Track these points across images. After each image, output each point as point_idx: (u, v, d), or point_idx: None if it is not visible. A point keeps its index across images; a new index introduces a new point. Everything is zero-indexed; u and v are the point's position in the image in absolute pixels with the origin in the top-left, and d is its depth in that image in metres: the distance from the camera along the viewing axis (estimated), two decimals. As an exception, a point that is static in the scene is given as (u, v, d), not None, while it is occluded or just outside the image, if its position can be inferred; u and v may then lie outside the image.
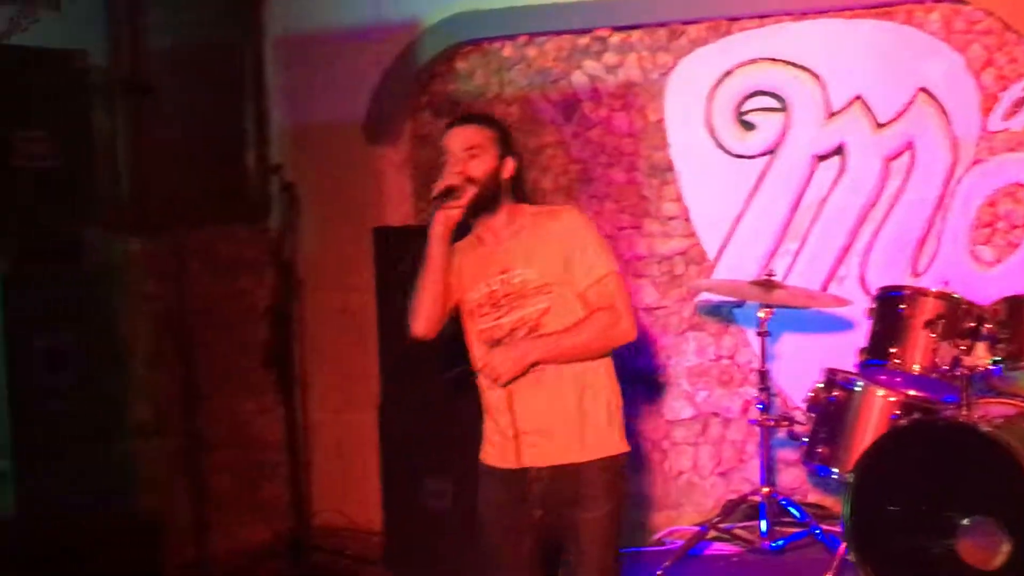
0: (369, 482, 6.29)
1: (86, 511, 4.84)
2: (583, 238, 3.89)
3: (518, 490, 3.92)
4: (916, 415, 5.07)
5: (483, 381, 3.96)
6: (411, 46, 6.52)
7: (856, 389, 5.28)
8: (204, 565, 6.13)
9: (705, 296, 6.18)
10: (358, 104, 6.63)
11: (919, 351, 5.07)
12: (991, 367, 4.90)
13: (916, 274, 5.83)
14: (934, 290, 5.16)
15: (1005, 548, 4.53)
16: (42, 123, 4.76)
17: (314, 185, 6.70)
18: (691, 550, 5.45)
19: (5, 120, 4.63)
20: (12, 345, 4.62)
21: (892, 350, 5.14)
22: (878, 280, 5.74)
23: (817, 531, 5.40)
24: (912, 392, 5.24)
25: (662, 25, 6.21)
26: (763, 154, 6.10)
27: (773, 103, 6.07)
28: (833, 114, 5.97)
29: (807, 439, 5.40)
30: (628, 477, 4.05)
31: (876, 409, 5.23)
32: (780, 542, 5.44)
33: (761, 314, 5.49)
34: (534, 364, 3.83)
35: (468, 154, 3.90)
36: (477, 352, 3.94)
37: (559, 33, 6.40)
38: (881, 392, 5.24)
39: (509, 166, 3.95)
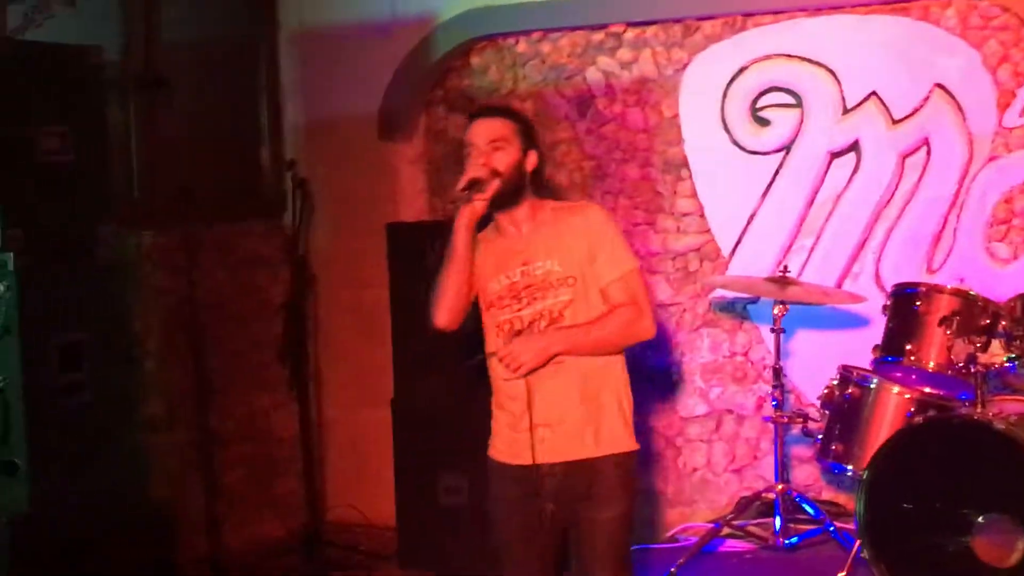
0: (383, 478, 6.30)
1: (100, 506, 4.84)
2: (607, 234, 3.93)
3: (531, 486, 3.92)
4: (931, 412, 5.06)
5: (498, 374, 3.97)
6: (425, 41, 6.52)
7: (871, 386, 5.26)
8: (217, 560, 6.14)
9: (719, 292, 6.17)
10: (372, 99, 6.64)
11: (934, 348, 5.06)
12: (1006, 364, 4.88)
13: (931, 271, 5.82)
14: (949, 287, 5.16)
15: (1021, 545, 4.52)
16: (56, 118, 4.76)
17: (328, 181, 6.71)
18: (705, 547, 5.44)
19: (19, 116, 4.63)
20: (27, 342, 4.62)
21: (907, 347, 5.13)
22: (893, 277, 5.73)
23: (831, 528, 5.39)
24: (927, 389, 5.22)
25: (677, 21, 6.20)
26: (778, 150, 6.09)
27: (788, 99, 6.05)
28: (848, 110, 5.95)
29: (821, 436, 5.39)
30: (639, 475, 4.07)
31: (891, 406, 5.22)
32: (794, 539, 5.43)
33: (775, 311, 5.48)
34: (555, 356, 3.85)
35: (492, 147, 3.92)
36: (495, 343, 3.95)
37: (573, 29, 6.39)
38: (896, 389, 5.22)
39: (532, 159, 3.98)
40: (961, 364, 4.92)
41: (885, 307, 5.28)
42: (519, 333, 3.89)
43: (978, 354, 4.82)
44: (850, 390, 5.31)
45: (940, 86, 5.79)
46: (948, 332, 4.98)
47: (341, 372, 6.87)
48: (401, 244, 6.16)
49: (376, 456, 6.45)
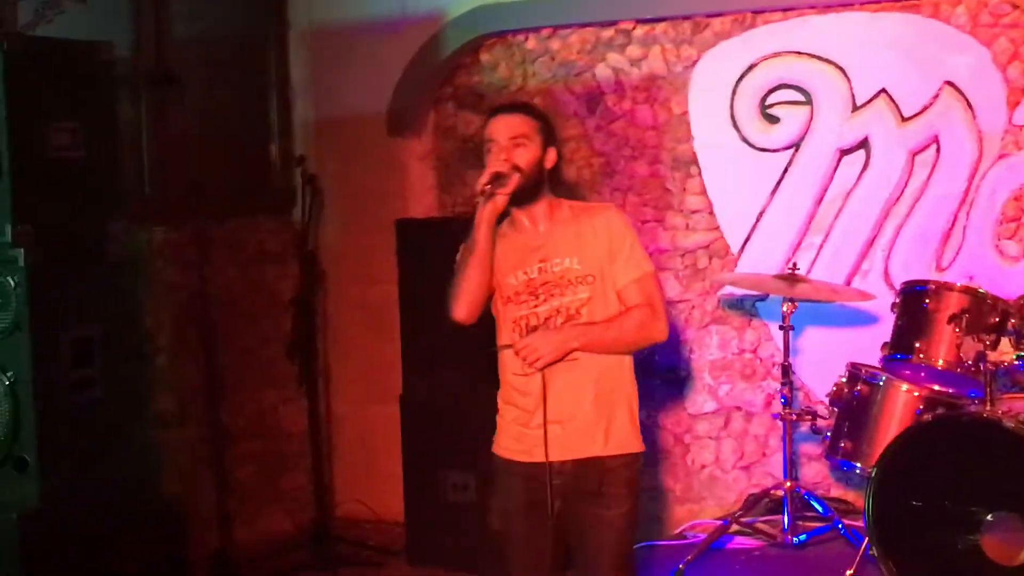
0: (391, 473, 6.32)
1: (110, 502, 4.85)
2: (626, 237, 3.98)
3: (539, 483, 3.94)
4: (940, 410, 5.05)
5: (509, 368, 3.99)
6: (435, 38, 6.53)
7: (880, 384, 5.26)
8: (227, 555, 6.16)
9: (728, 290, 6.17)
10: (382, 96, 6.65)
11: (943, 346, 5.06)
12: (1016, 362, 4.86)
13: (940, 268, 5.81)
14: (959, 285, 5.14)
15: (1030, 544, 4.52)
16: (67, 115, 4.77)
17: (337, 177, 6.73)
18: (713, 544, 5.43)
19: (30, 112, 4.64)
20: (38, 338, 4.63)
21: (916, 345, 5.13)
22: (902, 274, 5.71)
23: (840, 526, 5.38)
24: (936, 387, 5.21)
25: (686, 18, 6.20)
26: (787, 147, 6.08)
27: (797, 96, 6.04)
28: (858, 107, 5.94)
29: (830, 433, 5.39)
30: (645, 473, 4.11)
31: (900, 404, 5.21)
32: (802, 537, 5.42)
33: (784, 308, 5.47)
34: (572, 351, 3.88)
35: (513, 143, 3.95)
36: (510, 338, 3.97)
37: (583, 26, 6.39)
38: (905, 387, 5.22)
39: (551, 156, 4.03)
40: (970, 362, 4.92)
41: (894, 305, 5.28)
42: (535, 329, 3.93)
43: (987, 352, 4.81)
44: (859, 388, 5.31)
45: (950, 83, 5.77)
46: (957, 330, 4.98)
47: (350, 368, 6.89)
48: (410, 240, 6.18)
49: (385, 452, 6.47)
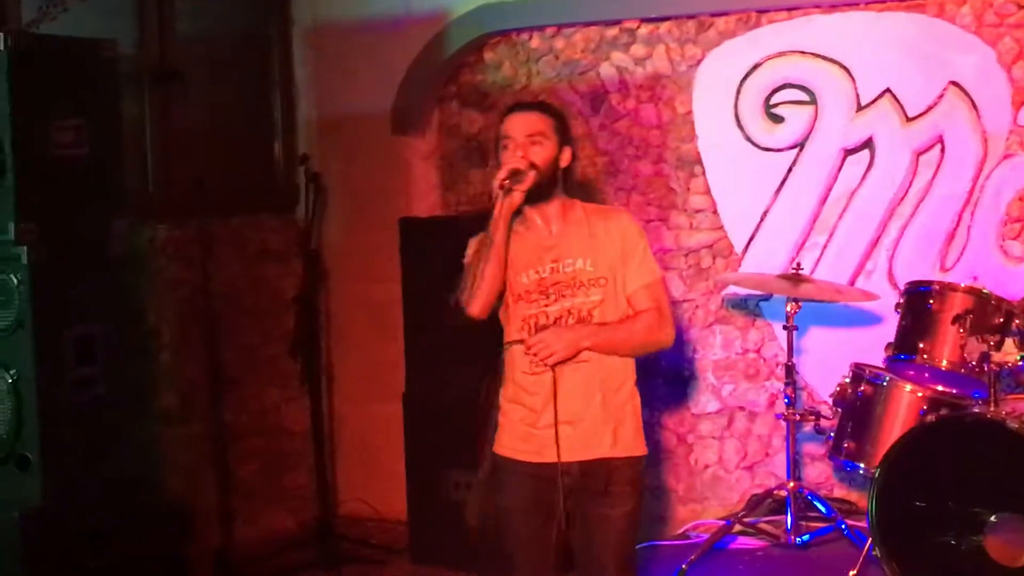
0: (394, 472, 6.32)
1: (113, 499, 4.85)
2: (639, 242, 4.02)
3: (546, 484, 3.96)
4: (943, 411, 5.04)
5: (518, 366, 3.99)
6: (439, 37, 6.53)
7: (883, 384, 5.26)
8: (230, 553, 6.16)
9: (732, 289, 6.17)
10: (385, 94, 6.65)
11: (947, 346, 5.06)
12: (1020, 363, 4.86)
13: (945, 269, 5.80)
14: (963, 285, 5.15)
15: (1033, 545, 4.51)
16: (70, 112, 4.76)
17: (341, 175, 6.73)
18: (716, 544, 5.43)
19: (33, 109, 4.63)
20: (41, 335, 4.63)
21: (920, 345, 5.13)
22: (906, 275, 5.71)
23: (843, 526, 5.38)
24: (940, 388, 5.21)
25: (691, 17, 6.19)
26: (791, 147, 6.07)
27: (802, 96, 6.04)
28: (862, 107, 5.93)
29: (833, 434, 5.38)
30: (647, 475, 4.14)
31: (903, 404, 5.21)
32: (806, 537, 5.42)
33: (788, 308, 5.47)
34: (583, 350, 3.90)
35: (530, 140, 3.96)
36: (519, 336, 3.97)
37: (587, 24, 6.39)
38: (908, 387, 5.22)
39: (567, 155, 4.04)
40: (974, 363, 4.92)
41: (898, 305, 5.28)
42: (544, 328, 3.94)
43: (991, 352, 4.81)
44: (862, 388, 5.30)
45: (955, 83, 5.76)
46: (961, 330, 4.97)
47: (353, 367, 6.88)
48: (414, 239, 6.18)
49: (387, 450, 6.47)
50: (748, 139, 6.14)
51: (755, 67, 6.10)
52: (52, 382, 4.67)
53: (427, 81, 6.70)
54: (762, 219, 6.13)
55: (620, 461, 3.98)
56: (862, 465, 5.25)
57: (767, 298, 6.09)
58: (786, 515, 5.46)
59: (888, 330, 5.35)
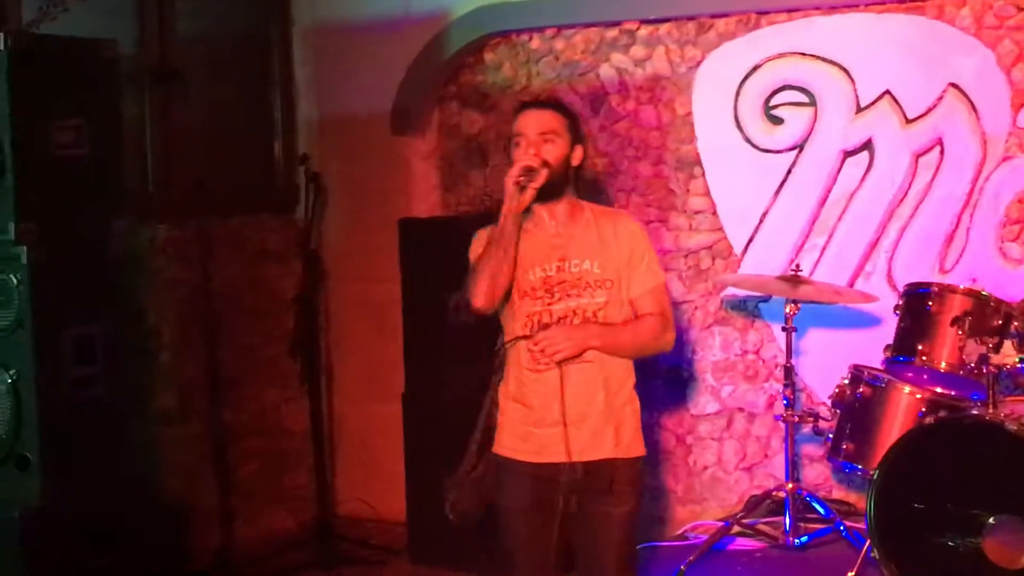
0: (393, 472, 6.32)
1: (113, 499, 4.85)
2: (645, 246, 4.07)
3: (548, 484, 3.99)
4: (942, 413, 5.04)
5: (523, 364, 4.00)
6: (439, 37, 6.53)
7: (882, 386, 5.26)
8: (229, 553, 6.16)
9: (731, 291, 6.17)
10: (385, 95, 6.65)
11: (946, 348, 5.07)
12: (1018, 365, 4.87)
13: (944, 271, 5.80)
14: (962, 287, 5.16)
15: (1031, 547, 4.51)
16: (70, 112, 4.76)
17: (341, 175, 6.73)
18: (715, 545, 5.43)
19: (33, 109, 4.63)
20: (40, 335, 4.63)
21: (919, 347, 5.13)
22: (905, 276, 5.71)
23: (841, 528, 5.38)
24: (938, 389, 5.22)
25: (690, 18, 6.19)
26: (791, 149, 6.07)
27: (801, 98, 6.04)
28: (862, 109, 5.94)
29: (832, 435, 5.39)
30: (646, 475, 4.21)
31: (902, 406, 5.22)
32: (804, 538, 5.42)
33: (787, 309, 5.47)
34: (589, 349, 3.94)
35: (542, 138, 3.99)
36: (520, 333, 3.98)
37: (587, 26, 6.39)
38: (907, 389, 5.22)
39: (578, 154, 4.07)
40: (973, 365, 4.92)
41: (897, 307, 5.28)
42: (547, 326, 3.96)
43: (990, 355, 4.81)
44: (861, 389, 5.31)
45: (954, 85, 5.77)
46: (960, 332, 4.98)
47: (352, 367, 6.89)
48: (413, 239, 6.18)
49: (387, 451, 6.47)
50: (748, 140, 6.14)
51: (755, 69, 6.11)
52: (51, 382, 4.66)
53: (427, 81, 6.70)
54: (761, 220, 6.13)
55: (622, 461, 4.01)
56: (861, 466, 5.26)
57: (766, 299, 6.09)
58: (785, 516, 5.46)
59: (887, 332, 5.36)
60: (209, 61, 6.45)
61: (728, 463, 6.23)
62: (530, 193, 3.92)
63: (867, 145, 5.95)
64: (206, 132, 6.40)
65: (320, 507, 6.48)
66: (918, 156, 5.87)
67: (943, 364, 5.07)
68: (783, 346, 5.59)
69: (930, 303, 5.13)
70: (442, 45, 6.56)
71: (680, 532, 5.97)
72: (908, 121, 5.86)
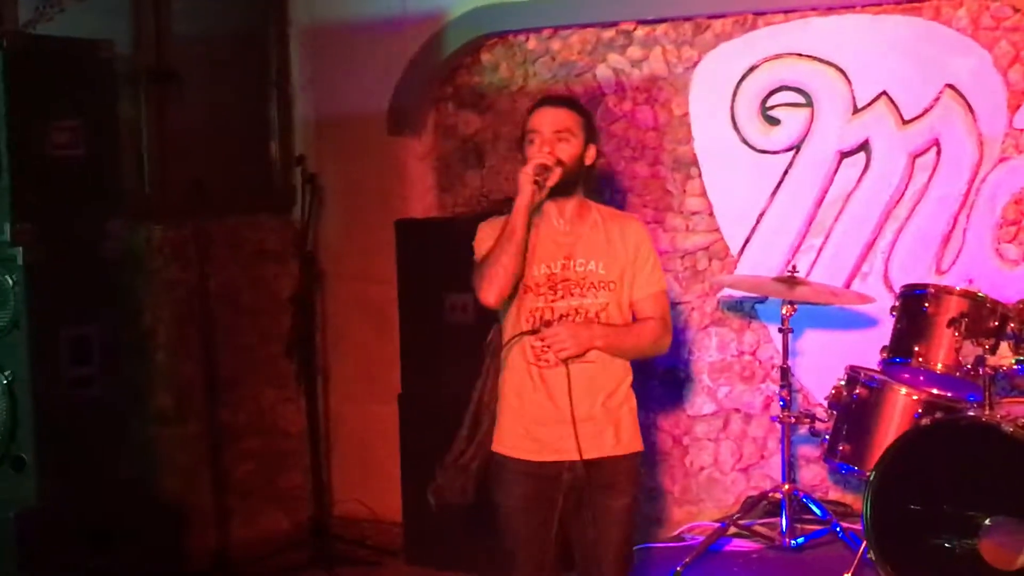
0: (390, 473, 6.32)
1: (109, 500, 4.85)
2: (649, 251, 4.10)
3: (548, 482, 4.02)
4: (938, 414, 5.04)
5: (527, 361, 4.01)
6: (436, 38, 6.53)
7: (878, 387, 5.26)
8: (225, 553, 6.17)
9: (727, 292, 6.17)
10: (382, 95, 6.65)
11: (942, 350, 5.06)
12: (1015, 366, 4.86)
13: (940, 272, 5.80)
14: (958, 288, 5.16)
15: (1028, 549, 4.52)
16: (67, 113, 4.77)
17: (337, 176, 6.73)
18: (711, 546, 5.43)
19: (30, 110, 4.63)
20: (37, 336, 4.63)
21: (915, 348, 5.13)
22: (902, 277, 5.71)
23: (838, 529, 5.38)
24: (935, 391, 5.22)
25: (687, 19, 6.19)
26: (787, 149, 6.07)
27: (798, 98, 6.04)
28: (858, 110, 5.93)
29: (829, 436, 5.38)
30: (641, 476, 4.26)
31: (898, 407, 5.22)
32: (800, 539, 5.42)
33: (784, 310, 5.47)
34: (593, 349, 3.96)
35: (557, 136, 4.01)
36: (523, 328, 3.99)
37: (584, 26, 6.39)
38: (904, 390, 5.22)
39: (591, 153, 4.08)
40: (969, 366, 4.91)
41: (893, 308, 5.28)
42: (548, 323, 3.98)
43: (986, 356, 4.81)
44: (858, 391, 5.31)
45: (951, 86, 5.77)
46: (956, 334, 4.98)
47: (349, 367, 6.88)
48: (410, 240, 6.18)
49: (383, 451, 6.47)
50: (744, 141, 6.14)
51: (751, 69, 6.11)
52: (48, 383, 4.67)
53: (424, 82, 6.70)
54: (758, 221, 6.13)
55: (621, 458, 4.06)
56: (857, 468, 5.25)
57: (763, 300, 6.09)
58: (781, 517, 5.46)
59: (883, 333, 5.36)
60: (206, 61, 6.44)
61: (724, 464, 6.23)
62: (543, 191, 3.93)
63: (864, 146, 5.95)
64: (203, 132, 6.40)
65: (317, 507, 6.49)
66: (915, 157, 5.87)
67: (939, 365, 5.06)
68: (779, 347, 5.58)
69: (926, 304, 5.13)
70: (439, 46, 6.56)
71: (676, 533, 5.96)
72: (905, 122, 5.86)
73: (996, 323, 4.94)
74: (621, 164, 6.36)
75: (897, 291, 5.44)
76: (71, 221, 4.78)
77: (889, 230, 5.91)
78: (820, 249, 6.02)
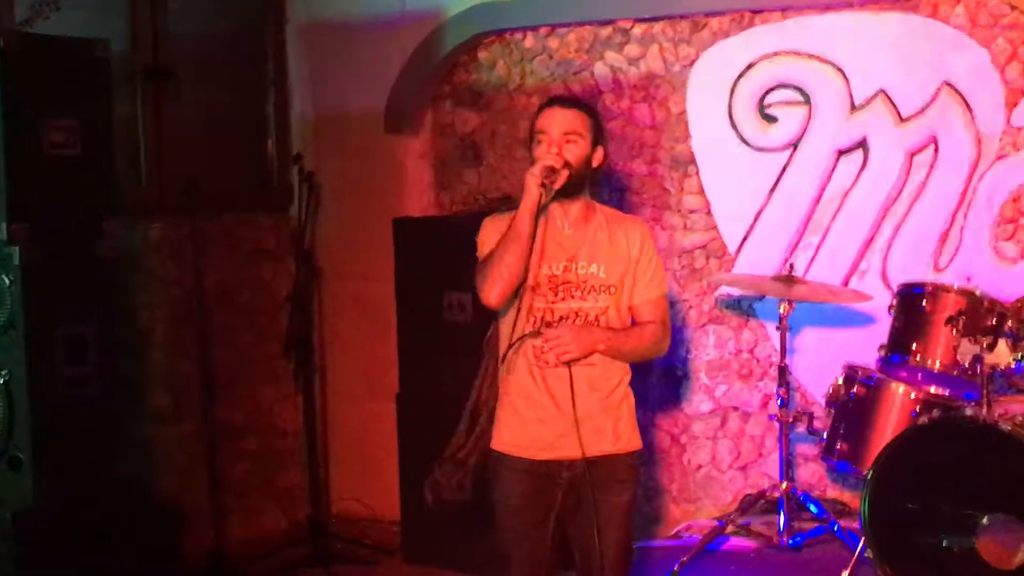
0: (388, 471, 6.31)
1: (106, 499, 4.84)
2: (653, 256, 4.11)
3: (545, 480, 4.03)
4: (936, 412, 5.04)
5: (529, 361, 4.00)
6: (433, 36, 6.52)
7: (876, 385, 5.26)
8: (223, 552, 6.16)
9: (725, 290, 6.17)
10: (379, 94, 6.64)
11: (940, 348, 5.07)
12: (1012, 365, 4.87)
13: (938, 269, 5.80)
14: (956, 286, 5.16)
15: (1025, 547, 4.52)
16: (63, 112, 4.75)
17: (335, 174, 6.72)
18: (709, 545, 5.44)
19: (25, 109, 4.62)
20: (33, 335, 4.62)
21: (913, 346, 5.14)
22: (900, 275, 5.71)
23: (835, 527, 5.39)
24: (932, 389, 5.22)
25: (684, 17, 6.19)
26: (785, 147, 6.07)
27: (796, 96, 6.04)
28: (856, 108, 5.93)
29: (826, 435, 5.39)
30: (640, 474, 4.25)
31: (896, 406, 5.22)
32: (798, 538, 5.43)
33: (781, 308, 5.47)
34: (595, 352, 3.97)
35: (565, 138, 4.00)
36: (524, 328, 3.98)
37: (581, 24, 6.38)
38: (901, 389, 5.22)
39: (599, 155, 4.08)
40: (967, 364, 4.92)
41: (891, 306, 5.28)
42: (548, 324, 3.98)
43: (984, 354, 4.81)
44: (855, 389, 5.31)
45: (948, 84, 5.77)
46: (954, 332, 4.98)
47: (346, 366, 6.88)
48: (407, 238, 6.17)
49: (381, 450, 6.46)
50: (742, 139, 6.14)
51: (749, 67, 6.10)
52: (44, 382, 4.65)
53: (421, 80, 6.69)
54: (756, 219, 6.13)
55: (620, 456, 4.07)
56: (855, 466, 5.26)
57: (761, 298, 6.09)
58: (779, 516, 5.47)
59: (881, 331, 5.36)
60: (203, 60, 6.43)
61: (722, 462, 6.23)
62: (549, 193, 3.93)
63: (861, 144, 5.94)
64: (200, 131, 6.39)
65: (314, 506, 6.48)
66: (912, 155, 5.87)
67: (937, 364, 5.07)
68: (777, 345, 5.59)
69: (924, 302, 5.14)
70: (436, 44, 6.55)
71: (674, 532, 5.97)
72: (902, 120, 5.85)
73: (994, 321, 4.94)
74: (619, 162, 6.35)
75: (895, 289, 5.44)
76: (67, 220, 4.77)
77: (887, 228, 5.91)
78: (818, 247, 6.02)
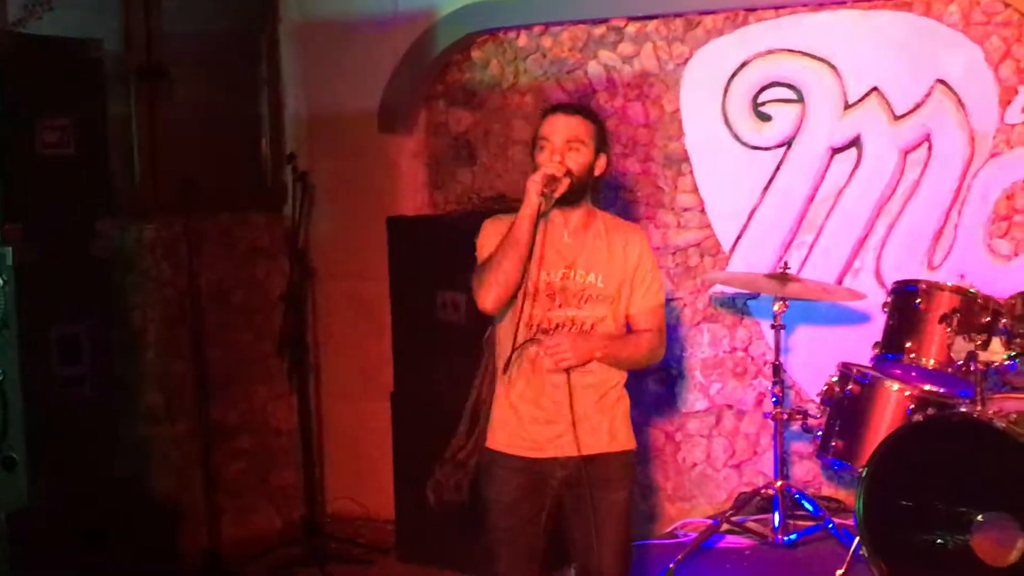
0: (382, 470, 6.31)
1: (100, 499, 4.85)
2: (650, 264, 4.10)
3: (539, 479, 4.04)
4: (931, 410, 5.04)
5: (530, 367, 3.99)
6: (426, 35, 6.51)
7: (871, 383, 5.26)
8: (217, 552, 6.15)
9: (719, 288, 6.17)
10: (373, 93, 6.64)
11: (934, 345, 5.07)
12: (1007, 362, 4.87)
13: (932, 267, 5.81)
14: (950, 284, 5.16)
15: (1020, 544, 4.50)
16: (56, 112, 4.76)
17: (328, 173, 6.71)
18: (704, 543, 5.44)
19: (19, 109, 4.62)
20: (27, 335, 4.61)
21: (907, 344, 5.13)
22: (893, 273, 5.72)
23: (830, 525, 5.39)
24: (927, 387, 5.22)
25: (678, 15, 6.18)
26: (779, 146, 6.07)
27: (789, 94, 6.04)
28: (850, 106, 5.94)
29: (821, 432, 5.39)
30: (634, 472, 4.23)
31: (890, 403, 5.22)
32: (793, 536, 5.43)
33: (776, 307, 5.47)
34: (591, 360, 3.98)
35: (568, 146, 3.98)
36: (523, 334, 3.97)
37: (575, 23, 6.38)
38: (896, 386, 5.23)
39: (602, 162, 4.06)
40: (961, 362, 4.92)
41: (885, 304, 5.28)
42: (544, 331, 3.98)
43: (978, 352, 4.81)
44: (850, 387, 5.31)
45: (942, 82, 5.77)
46: (948, 329, 4.98)
47: (341, 365, 6.87)
48: (401, 237, 6.17)
49: (375, 449, 6.46)
50: (736, 137, 6.14)
51: (743, 65, 6.10)
52: (39, 382, 4.64)
53: (414, 79, 6.69)
54: (750, 217, 6.13)
55: (616, 455, 4.07)
56: (850, 464, 5.26)
57: (755, 297, 6.09)
58: (774, 514, 5.47)
59: (875, 329, 5.36)
60: (196, 59, 6.43)
61: (717, 460, 6.23)
62: (550, 201, 3.92)
63: (855, 142, 5.95)
64: (194, 130, 6.38)
65: (309, 505, 6.47)
66: (906, 153, 5.87)
67: (931, 361, 5.07)
68: (772, 343, 5.59)
69: (918, 300, 5.14)
70: (429, 43, 6.55)
71: (669, 530, 5.97)
72: (896, 118, 5.86)
73: (988, 319, 4.94)
74: (612, 161, 6.33)
75: (889, 287, 5.44)
76: (61, 220, 4.78)
77: (881, 226, 5.91)
78: (812, 245, 6.02)
